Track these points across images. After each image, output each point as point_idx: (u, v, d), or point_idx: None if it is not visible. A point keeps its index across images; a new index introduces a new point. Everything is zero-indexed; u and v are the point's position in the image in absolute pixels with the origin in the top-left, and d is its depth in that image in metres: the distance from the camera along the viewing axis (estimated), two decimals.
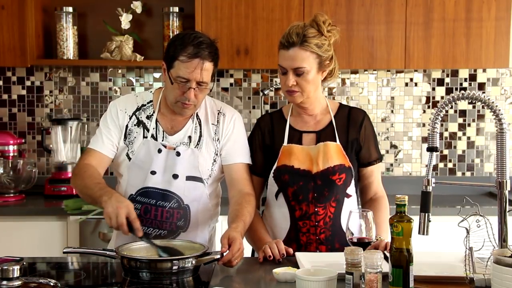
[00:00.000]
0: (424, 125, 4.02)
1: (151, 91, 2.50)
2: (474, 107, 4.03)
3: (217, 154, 2.44)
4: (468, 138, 4.03)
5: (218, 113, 2.47)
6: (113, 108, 2.44)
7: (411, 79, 4.02)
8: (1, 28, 3.65)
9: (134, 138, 2.41)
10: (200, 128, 2.43)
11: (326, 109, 2.51)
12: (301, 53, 2.34)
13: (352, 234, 2.06)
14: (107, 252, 2.14)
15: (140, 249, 2.17)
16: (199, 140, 2.42)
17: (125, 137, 2.41)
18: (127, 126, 2.42)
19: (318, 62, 2.36)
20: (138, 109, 2.44)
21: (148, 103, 2.45)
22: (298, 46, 2.33)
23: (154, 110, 2.43)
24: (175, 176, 2.37)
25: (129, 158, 2.40)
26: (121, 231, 2.14)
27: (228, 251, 2.10)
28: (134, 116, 2.43)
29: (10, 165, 3.68)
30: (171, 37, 3.72)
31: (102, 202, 2.16)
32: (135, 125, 2.42)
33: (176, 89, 2.31)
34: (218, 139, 2.44)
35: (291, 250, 2.24)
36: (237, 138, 2.45)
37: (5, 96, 4.00)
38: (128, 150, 2.41)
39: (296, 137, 2.46)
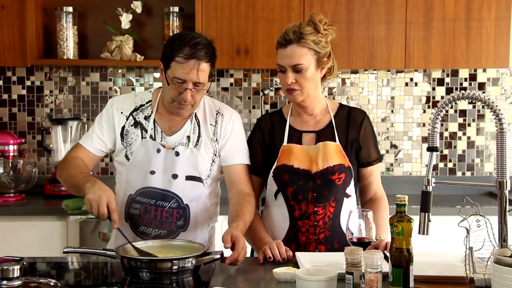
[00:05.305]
0: (424, 125, 4.02)
1: (150, 91, 2.50)
2: (474, 107, 4.03)
3: (215, 155, 2.43)
4: (468, 138, 4.03)
5: (217, 114, 2.46)
6: (110, 107, 2.44)
7: (411, 79, 4.02)
8: (1, 28, 3.65)
9: (131, 139, 2.40)
10: (199, 129, 2.43)
11: (326, 109, 2.51)
12: (299, 50, 2.34)
13: (352, 234, 2.05)
14: (107, 252, 2.14)
15: (140, 249, 2.17)
16: (197, 141, 2.41)
17: (122, 138, 2.41)
18: (123, 127, 2.42)
19: (316, 59, 2.36)
20: (135, 109, 2.44)
21: (147, 103, 2.45)
22: (295, 43, 2.34)
23: (152, 110, 2.43)
24: (175, 176, 2.37)
25: (128, 159, 2.40)
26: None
27: (230, 248, 2.11)
28: (131, 117, 2.43)
29: (10, 165, 3.68)
30: None
31: (85, 188, 2.18)
32: (131, 125, 2.42)
33: (172, 89, 2.30)
34: (216, 139, 2.43)
35: (291, 253, 2.24)
36: (236, 139, 2.45)
37: (5, 96, 4.00)
38: (126, 151, 2.41)
39: (296, 137, 2.46)
